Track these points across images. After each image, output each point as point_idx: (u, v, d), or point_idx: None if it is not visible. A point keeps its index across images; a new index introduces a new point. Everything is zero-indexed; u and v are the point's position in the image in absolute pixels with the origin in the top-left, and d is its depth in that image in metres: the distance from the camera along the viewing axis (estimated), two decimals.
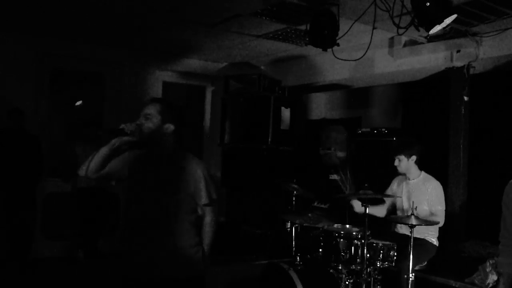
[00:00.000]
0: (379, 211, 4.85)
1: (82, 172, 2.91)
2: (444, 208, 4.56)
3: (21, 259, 6.21)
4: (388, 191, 4.91)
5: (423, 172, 4.72)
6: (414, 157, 4.65)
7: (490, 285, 4.34)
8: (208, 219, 3.00)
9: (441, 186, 4.66)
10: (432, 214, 4.50)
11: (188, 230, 2.93)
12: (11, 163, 6.02)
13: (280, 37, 6.10)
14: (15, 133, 6.15)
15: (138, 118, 2.92)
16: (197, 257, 2.96)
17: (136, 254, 2.90)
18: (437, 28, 3.83)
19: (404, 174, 4.76)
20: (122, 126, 2.81)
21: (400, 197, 4.73)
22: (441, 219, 4.45)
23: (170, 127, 2.91)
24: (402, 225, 4.59)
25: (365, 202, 4.10)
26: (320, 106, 8.78)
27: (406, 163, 4.65)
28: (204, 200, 2.94)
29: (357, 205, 4.73)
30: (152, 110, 2.90)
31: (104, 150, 2.87)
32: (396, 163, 4.69)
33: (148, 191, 2.89)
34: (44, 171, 6.45)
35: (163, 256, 2.85)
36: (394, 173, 4.92)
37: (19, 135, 6.17)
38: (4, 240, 6.09)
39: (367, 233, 4.03)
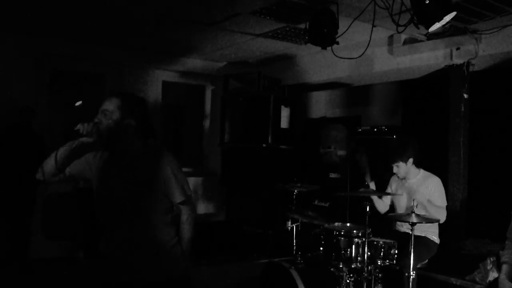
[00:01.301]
0: (382, 205, 4.84)
1: (39, 176, 2.70)
2: (445, 204, 4.56)
3: (21, 259, 6.20)
4: (388, 190, 4.91)
5: (421, 170, 4.70)
6: (411, 160, 4.62)
7: (491, 282, 4.34)
8: (184, 217, 2.79)
9: (441, 182, 4.65)
10: (437, 206, 4.48)
11: (165, 231, 2.74)
12: (14, 162, 6.00)
13: (280, 36, 6.10)
14: (21, 131, 6.15)
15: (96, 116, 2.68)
16: (177, 258, 2.79)
17: (115, 259, 2.76)
18: (436, 26, 3.83)
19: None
20: (78, 126, 2.58)
21: (401, 194, 4.72)
22: (443, 215, 4.44)
23: (131, 122, 2.66)
24: (403, 223, 4.58)
25: (366, 200, 4.10)
26: (320, 105, 8.79)
27: (404, 168, 4.62)
28: (177, 198, 2.73)
29: (380, 204, 4.75)
30: (110, 106, 2.65)
31: (60, 154, 2.66)
32: (395, 170, 4.64)
33: (116, 195, 2.70)
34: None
35: (142, 260, 2.69)
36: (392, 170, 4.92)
37: (25, 134, 6.17)
38: (4, 240, 6.07)
39: (368, 231, 4.02)
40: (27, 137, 6.17)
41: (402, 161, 4.58)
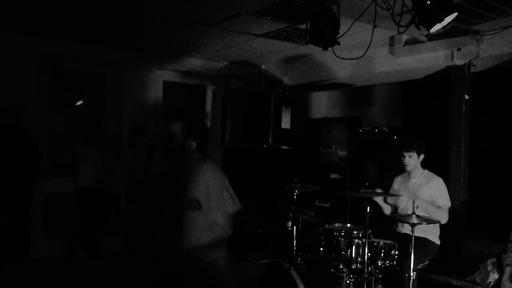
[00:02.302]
0: (388, 209, 4.83)
1: None
2: (449, 204, 4.56)
3: (21, 260, 6.19)
4: (390, 191, 4.90)
5: (426, 170, 4.71)
6: (422, 156, 4.63)
7: (492, 283, 4.33)
8: (218, 228, 3.20)
9: (444, 183, 4.65)
10: (439, 207, 4.47)
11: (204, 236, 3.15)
12: (7, 161, 5.99)
13: (281, 36, 6.09)
14: (11, 130, 6.12)
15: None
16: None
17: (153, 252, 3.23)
18: (437, 27, 3.82)
19: (408, 173, 4.73)
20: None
21: (401, 195, 4.71)
22: (445, 216, 4.44)
23: (193, 144, 3.21)
24: (404, 224, 4.57)
25: (367, 201, 4.09)
26: (321, 105, 8.78)
27: (415, 161, 4.62)
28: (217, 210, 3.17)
29: (387, 208, 4.73)
30: (175, 129, 3.22)
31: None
32: (407, 160, 4.61)
33: (169, 202, 3.19)
34: (41, 169, 6.43)
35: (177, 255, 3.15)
36: (395, 171, 4.91)
37: (16, 133, 6.14)
38: (4, 240, 6.06)
39: (368, 232, 4.02)
40: (17, 135, 6.14)
41: (416, 152, 4.57)
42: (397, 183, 4.87)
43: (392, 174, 5.04)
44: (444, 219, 4.43)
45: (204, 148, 3.27)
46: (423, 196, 4.50)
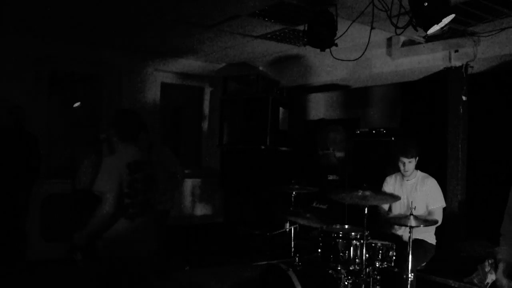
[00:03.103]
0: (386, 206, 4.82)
1: None
2: (444, 205, 4.55)
3: (18, 261, 6.17)
4: (385, 189, 4.86)
5: (419, 171, 4.70)
6: (417, 159, 4.63)
7: (489, 284, 4.34)
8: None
9: (437, 183, 4.64)
10: (431, 212, 4.48)
11: None
12: (8, 162, 5.97)
13: (278, 38, 6.10)
14: (13, 131, 6.11)
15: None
16: None
17: None
18: (435, 28, 3.83)
19: (402, 174, 4.73)
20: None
21: (399, 197, 4.69)
22: (440, 217, 4.43)
23: (114, 136, 3.67)
24: (401, 226, 4.56)
25: (364, 203, 4.09)
26: (319, 107, 8.79)
27: (414, 165, 4.62)
28: None
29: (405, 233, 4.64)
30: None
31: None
32: (407, 165, 4.57)
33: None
34: (41, 171, 6.41)
35: None
36: (392, 173, 4.91)
37: (18, 134, 6.13)
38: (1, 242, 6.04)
39: (366, 233, 4.02)
40: (19, 137, 6.13)
41: (415, 157, 4.57)
42: (391, 184, 4.83)
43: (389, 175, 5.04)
44: (440, 219, 4.43)
45: (118, 137, 3.59)
46: (419, 197, 4.50)
